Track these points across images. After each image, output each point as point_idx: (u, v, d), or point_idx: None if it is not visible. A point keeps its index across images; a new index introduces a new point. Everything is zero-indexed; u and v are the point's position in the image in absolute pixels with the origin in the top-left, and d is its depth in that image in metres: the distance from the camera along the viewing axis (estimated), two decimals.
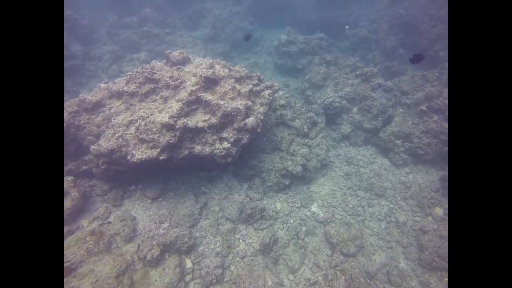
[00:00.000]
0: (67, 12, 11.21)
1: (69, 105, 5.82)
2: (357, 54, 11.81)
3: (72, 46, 10.03)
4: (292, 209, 6.19)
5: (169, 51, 6.56)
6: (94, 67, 10.22)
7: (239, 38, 13.51)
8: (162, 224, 5.43)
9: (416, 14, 11.08)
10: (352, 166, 7.27)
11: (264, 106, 5.49)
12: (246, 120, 4.97)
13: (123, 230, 5.15)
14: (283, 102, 7.10)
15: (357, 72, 8.42)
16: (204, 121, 5.08)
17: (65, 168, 6.03)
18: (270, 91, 5.83)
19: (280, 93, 7.88)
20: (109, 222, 5.48)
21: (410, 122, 7.40)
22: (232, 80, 5.74)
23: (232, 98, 5.26)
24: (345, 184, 6.84)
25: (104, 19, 13.00)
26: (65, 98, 8.80)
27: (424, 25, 10.58)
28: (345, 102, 7.96)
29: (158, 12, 14.08)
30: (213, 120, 5.04)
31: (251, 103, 5.28)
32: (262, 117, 5.31)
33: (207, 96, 5.22)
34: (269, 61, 12.81)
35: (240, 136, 5.09)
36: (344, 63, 9.27)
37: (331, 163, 7.25)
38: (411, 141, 7.14)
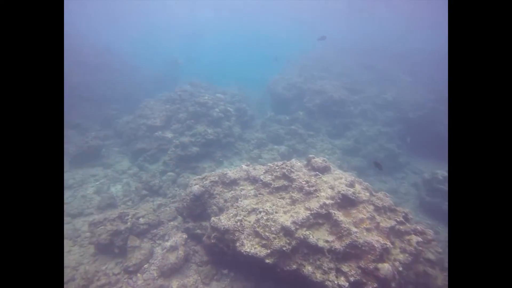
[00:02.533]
0: (242, 104, 15.02)
1: (214, 175, 7.05)
2: None
3: (234, 128, 12.94)
4: None
5: (312, 155, 7.11)
6: (241, 146, 12.52)
7: (381, 158, 13.28)
8: None
9: None
10: None
11: (407, 255, 4.59)
12: (380, 265, 4.23)
13: None
14: (431, 256, 5.76)
15: None
16: (327, 241, 4.73)
17: (185, 225, 6.94)
18: (420, 240, 4.91)
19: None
20: None
21: None
22: (372, 207, 5.34)
23: (368, 230, 4.76)
24: None
25: (264, 113, 16.40)
26: (210, 164, 10.89)
27: None
28: None
29: (309, 116, 16.34)
30: (337, 245, 4.61)
31: (390, 245, 4.56)
32: (401, 269, 4.40)
33: (339, 215, 4.99)
34: (412, 193, 11.54)
35: (364, 281, 4.30)
36: None
37: None
38: None
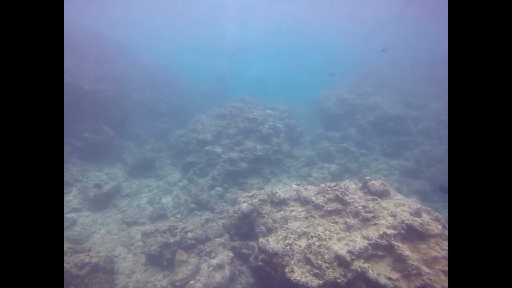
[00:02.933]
0: (291, 121, 14.94)
1: (263, 193, 6.94)
2: None
3: (283, 145, 12.87)
4: None
5: (369, 178, 6.59)
6: (290, 163, 12.35)
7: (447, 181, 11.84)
8: None
9: None
10: None
11: None
12: None
13: None
14: None
15: None
16: (390, 279, 4.20)
17: (231, 244, 6.91)
18: None
19: None
20: None
21: None
22: (447, 242, 4.64)
23: (445, 272, 4.12)
24: None
25: (314, 129, 16.06)
26: (258, 181, 10.87)
27: None
28: None
29: (361, 133, 15.53)
30: (404, 285, 4.06)
31: None
32: None
33: (404, 249, 4.43)
34: None
35: None
36: None
37: None
38: None
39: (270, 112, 14.75)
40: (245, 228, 6.80)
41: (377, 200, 5.81)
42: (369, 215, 5.27)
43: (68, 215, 8.75)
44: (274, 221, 6.38)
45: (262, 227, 6.51)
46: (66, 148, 11.41)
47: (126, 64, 20.24)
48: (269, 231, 6.26)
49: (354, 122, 16.06)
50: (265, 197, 6.90)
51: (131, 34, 36.20)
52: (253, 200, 6.88)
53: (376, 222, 5.11)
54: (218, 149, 12.47)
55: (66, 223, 8.35)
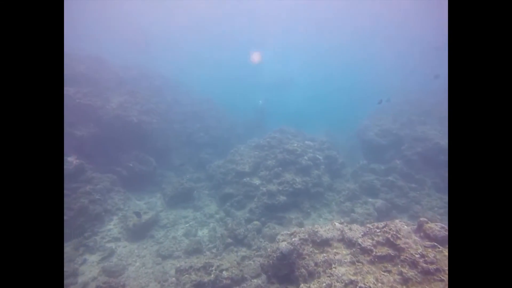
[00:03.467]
0: (332, 152, 14.47)
1: (303, 231, 6.52)
2: None
3: (323, 178, 12.35)
4: None
5: (425, 219, 5.84)
6: (331, 197, 11.69)
7: None
8: None
9: None
10: None
11: None
12: None
13: None
14: None
15: None
16: None
17: (269, 287, 6.44)
18: None
19: None
20: None
21: None
22: None
23: None
24: None
25: (354, 160, 15.28)
26: (297, 216, 10.35)
27: None
28: None
29: (409, 165, 14.37)
30: None
31: None
32: None
33: None
34: None
35: None
36: None
37: None
38: None
39: (309, 143, 14.42)
40: (284, 269, 6.33)
41: (438, 247, 5.06)
42: (431, 267, 4.56)
43: (107, 245, 8.98)
44: (316, 264, 5.86)
45: (303, 270, 6.00)
46: (112, 176, 12.09)
47: (170, 96, 21.68)
48: (311, 275, 5.74)
49: (399, 154, 15.01)
50: (306, 236, 6.45)
51: (177, 69, 39.39)
52: (293, 239, 6.46)
53: (442, 277, 4.38)
54: (256, 181, 12.29)
55: (104, 253, 8.54)
